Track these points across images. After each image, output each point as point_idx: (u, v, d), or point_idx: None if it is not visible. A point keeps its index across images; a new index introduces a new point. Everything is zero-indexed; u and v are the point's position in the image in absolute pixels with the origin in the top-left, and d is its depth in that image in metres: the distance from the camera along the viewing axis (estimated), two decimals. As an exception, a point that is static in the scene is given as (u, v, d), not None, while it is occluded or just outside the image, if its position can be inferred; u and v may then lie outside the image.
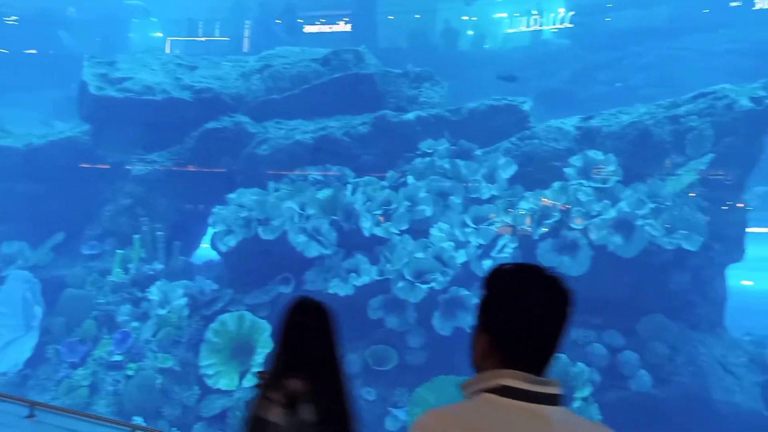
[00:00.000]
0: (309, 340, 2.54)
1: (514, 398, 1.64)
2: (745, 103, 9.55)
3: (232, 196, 11.75)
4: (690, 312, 9.73)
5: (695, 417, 9.11)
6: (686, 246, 9.18)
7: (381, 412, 9.74)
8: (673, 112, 10.12)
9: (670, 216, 9.32)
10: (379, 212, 10.76)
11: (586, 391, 9.01)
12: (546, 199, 10.29)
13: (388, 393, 9.89)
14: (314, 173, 11.73)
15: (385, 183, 11.24)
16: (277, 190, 11.67)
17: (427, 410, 1.70)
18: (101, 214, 12.81)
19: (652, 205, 9.43)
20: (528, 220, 10.31)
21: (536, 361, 1.69)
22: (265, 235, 11.02)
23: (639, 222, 9.39)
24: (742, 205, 9.99)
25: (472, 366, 1.78)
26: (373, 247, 10.70)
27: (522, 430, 1.60)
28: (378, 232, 10.60)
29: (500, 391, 1.65)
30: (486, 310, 1.74)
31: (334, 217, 10.86)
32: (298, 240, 10.73)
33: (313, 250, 10.69)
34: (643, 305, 9.65)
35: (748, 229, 10.00)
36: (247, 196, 11.65)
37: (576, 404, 8.87)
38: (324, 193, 11.23)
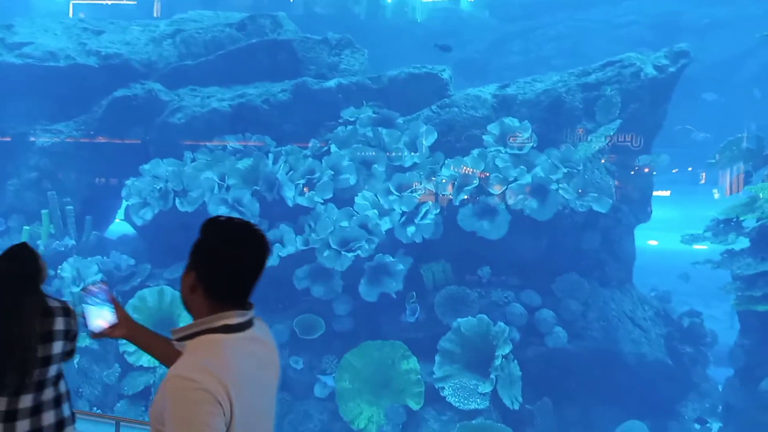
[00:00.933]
0: None
1: (234, 332, 2.08)
2: (650, 71, 10.09)
3: (146, 167, 11.27)
4: (601, 270, 10.31)
5: (606, 368, 9.74)
6: (597, 208, 9.67)
7: (309, 380, 9.80)
8: (584, 80, 10.55)
9: (581, 180, 9.77)
10: (302, 182, 10.66)
11: (507, 349, 9.40)
12: (466, 167, 10.52)
13: (317, 361, 9.94)
14: (233, 142, 11.42)
15: (307, 152, 11.12)
16: (194, 160, 11.30)
17: (179, 374, 1.92)
18: (5, 189, 11.98)
19: (565, 170, 9.85)
20: (449, 187, 10.52)
21: (242, 297, 2.14)
22: (183, 207, 10.68)
23: (553, 186, 9.79)
24: (647, 169, 10.62)
25: (183, 299, 2.16)
26: (298, 217, 10.61)
27: (249, 352, 2.10)
28: (302, 201, 10.51)
29: (223, 329, 2.07)
30: (198, 252, 2.11)
31: (256, 188, 10.66)
32: (219, 212, 10.46)
33: (235, 222, 10.45)
34: (558, 265, 10.12)
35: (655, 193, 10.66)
36: (163, 167, 11.22)
37: (497, 362, 9.26)
38: (244, 163, 10.98)
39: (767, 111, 9.01)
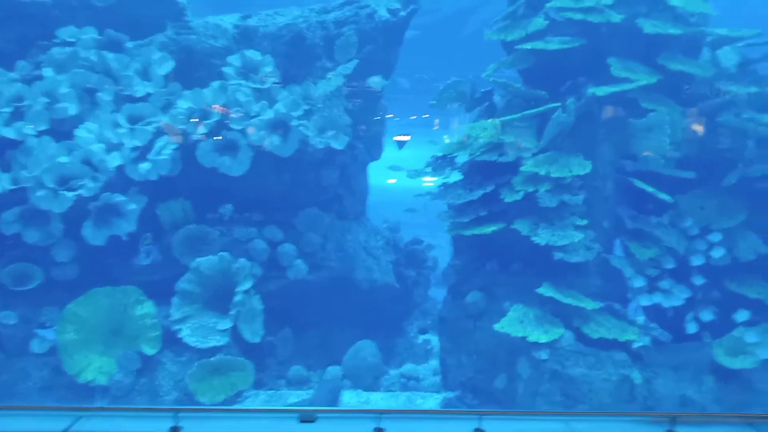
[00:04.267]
0: None
1: None
2: (384, 14, 10.57)
3: None
4: (339, 204, 10.80)
5: (343, 294, 10.38)
6: (335, 145, 10.01)
7: (25, 335, 8.75)
8: (324, 18, 10.66)
9: (321, 117, 9.99)
10: (8, 110, 9.17)
11: (248, 285, 9.44)
12: (205, 99, 10.03)
13: (34, 314, 8.89)
14: None
15: (14, 75, 9.56)
16: None
17: None
18: None
19: (306, 107, 9.96)
20: (187, 121, 9.97)
21: None
22: None
23: (294, 123, 9.86)
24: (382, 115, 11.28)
25: None
26: (4, 151, 9.16)
27: None
28: (8, 133, 9.07)
29: None
30: None
31: (-55, 115, 8.91)
32: None
33: None
34: (299, 200, 10.35)
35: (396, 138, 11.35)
36: None
37: (238, 298, 9.26)
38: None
39: (484, 62, 10.14)
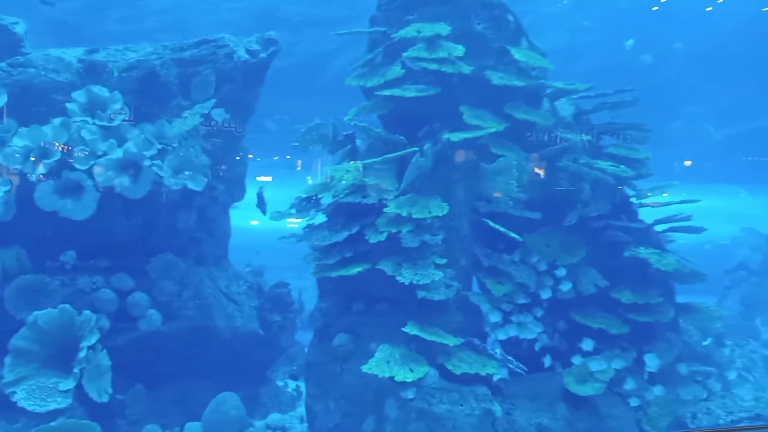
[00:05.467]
0: None
1: None
2: (243, 54, 10.42)
3: None
4: (197, 248, 10.29)
5: (202, 345, 9.80)
6: (192, 186, 9.57)
7: None
8: (179, 55, 10.29)
9: (176, 157, 9.54)
10: None
11: (94, 339, 8.62)
12: (44, 138, 9.20)
13: None
14: None
15: None
16: None
17: None
18: None
19: (160, 146, 9.47)
20: (24, 161, 9.07)
21: None
22: None
23: (146, 162, 9.32)
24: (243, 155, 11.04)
25: None
26: None
27: None
28: None
29: None
30: None
31: None
32: None
33: None
34: (152, 245, 9.72)
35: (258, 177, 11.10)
36: None
37: (82, 354, 8.41)
38: None
39: (347, 105, 10.33)
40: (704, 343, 9.70)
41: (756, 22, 19.95)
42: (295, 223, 10.43)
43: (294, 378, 10.83)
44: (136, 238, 9.58)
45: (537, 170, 9.45)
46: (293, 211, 9.53)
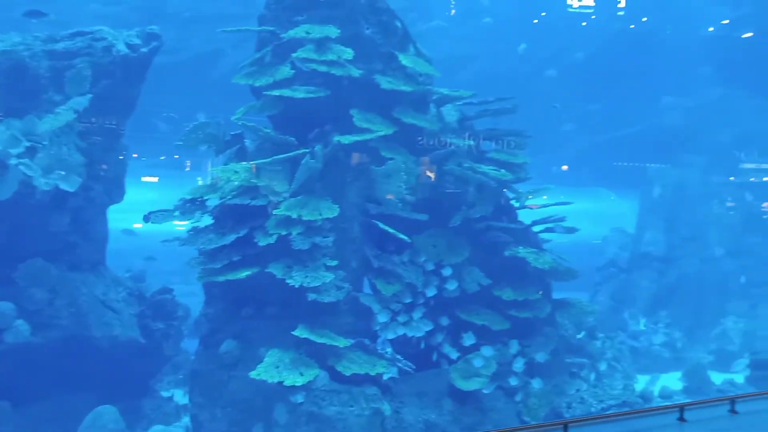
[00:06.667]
0: None
1: None
2: (122, 48, 9.87)
3: None
4: (71, 253, 9.63)
5: (77, 356, 9.17)
6: (64, 187, 8.96)
7: None
8: (51, 47, 9.60)
9: (47, 155, 8.88)
10: None
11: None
12: None
13: None
14: None
15: None
16: None
17: None
18: None
19: (28, 144, 8.79)
20: None
21: None
22: None
23: (13, 161, 8.62)
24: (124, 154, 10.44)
25: None
26: None
27: None
28: None
29: None
30: None
31: None
32: None
33: None
34: (20, 251, 9.00)
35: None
36: None
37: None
38: None
39: (235, 104, 10.03)
40: (578, 336, 10.38)
41: (621, 37, 21.71)
42: (182, 226, 10.05)
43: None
44: (1, 242, 8.81)
45: (425, 173, 9.71)
46: (177, 213, 9.17)
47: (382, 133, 8.86)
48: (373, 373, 8.19)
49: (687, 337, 13.91)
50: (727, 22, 22.10)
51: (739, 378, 11.99)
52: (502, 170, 9.54)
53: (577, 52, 21.13)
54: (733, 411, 5.38)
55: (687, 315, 14.65)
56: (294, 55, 8.84)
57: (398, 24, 9.70)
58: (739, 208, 16.31)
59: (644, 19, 22.33)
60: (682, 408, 5.28)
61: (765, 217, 16.45)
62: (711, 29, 21.69)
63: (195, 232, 8.97)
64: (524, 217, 10.11)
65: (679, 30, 21.20)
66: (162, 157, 21.37)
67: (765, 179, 17.23)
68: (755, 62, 19.12)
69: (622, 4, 23.55)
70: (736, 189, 16.69)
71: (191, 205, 9.12)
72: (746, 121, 17.52)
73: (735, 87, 18.09)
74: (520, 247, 9.42)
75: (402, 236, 8.76)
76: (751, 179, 17.29)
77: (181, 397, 10.55)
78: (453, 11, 23.46)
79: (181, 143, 9.32)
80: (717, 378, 12.24)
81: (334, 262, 8.48)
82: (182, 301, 11.41)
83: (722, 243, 15.54)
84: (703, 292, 15.09)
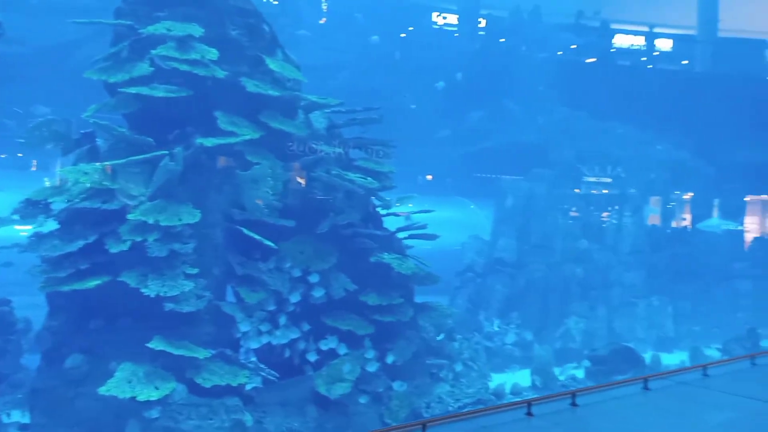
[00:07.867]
0: None
1: None
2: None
3: None
4: None
5: None
6: None
7: None
8: None
9: None
10: None
11: None
12: None
13: None
14: None
15: None
16: None
17: None
18: None
19: None
20: None
21: None
22: None
23: None
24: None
25: None
26: None
27: None
28: None
29: None
30: None
31: None
32: None
33: None
34: None
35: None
36: None
37: None
38: None
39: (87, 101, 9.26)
40: (438, 338, 10.80)
41: (481, 55, 23.07)
42: (26, 231, 9.17)
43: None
44: None
45: (293, 179, 9.64)
46: (17, 216, 8.36)
47: (248, 137, 8.68)
48: (234, 384, 7.95)
49: (535, 337, 14.94)
50: (574, 47, 24.27)
51: (580, 373, 13.06)
52: (369, 178, 9.72)
53: (440, 69, 22.08)
54: (574, 404, 5.88)
55: (535, 316, 15.74)
56: (154, 51, 8.41)
57: (266, 28, 9.57)
58: (580, 218, 17.86)
59: (502, 39, 23.87)
60: (529, 403, 5.68)
61: (603, 226, 18.11)
62: (560, 53, 23.69)
63: (37, 237, 8.21)
64: (389, 224, 10.38)
65: (532, 52, 22.93)
66: (2, 155, 19.45)
67: (603, 191, 18.99)
68: (595, 86, 21.20)
69: (483, 24, 25.07)
70: (578, 200, 18.24)
71: (33, 209, 8.34)
72: (588, 139, 19.26)
73: (578, 107, 19.86)
74: (385, 253, 9.64)
75: (268, 242, 8.63)
76: (592, 191, 18.97)
77: (20, 418, 9.58)
78: (324, 20, 23.62)
79: (23, 141, 8.50)
80: (561, 374, 13.23)
81: (195, 270, 8.15)
82: (22, 313, 10.41)
83: (565, 250, 16.92)
84: (548, 294, 16.32)
